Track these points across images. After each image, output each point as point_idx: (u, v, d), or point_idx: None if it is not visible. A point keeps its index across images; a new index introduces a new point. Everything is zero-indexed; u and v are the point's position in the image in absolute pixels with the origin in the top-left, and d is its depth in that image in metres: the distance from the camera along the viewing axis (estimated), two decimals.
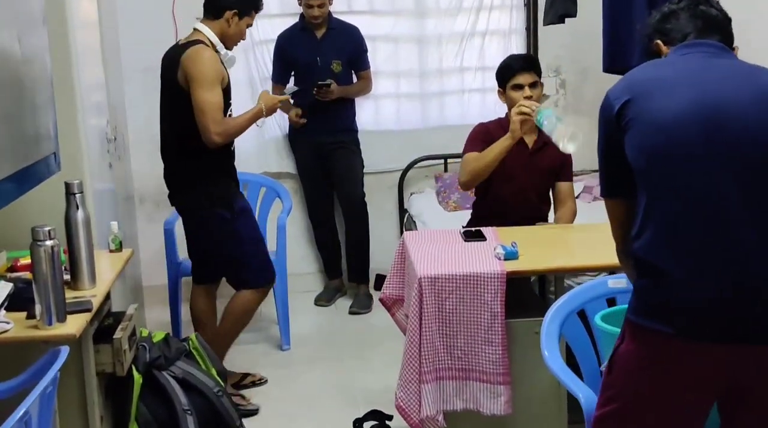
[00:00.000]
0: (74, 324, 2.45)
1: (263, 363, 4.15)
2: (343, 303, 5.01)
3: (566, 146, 3.09)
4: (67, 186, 2.72)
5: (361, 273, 5.00)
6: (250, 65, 5.03)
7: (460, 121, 5.26)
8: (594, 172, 5.16)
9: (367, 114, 5.13)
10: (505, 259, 2.91)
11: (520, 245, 3.00)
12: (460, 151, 5.14)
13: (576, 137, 3.06)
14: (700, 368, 1.80)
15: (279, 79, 4.82)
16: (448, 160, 5.23)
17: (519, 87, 3.53)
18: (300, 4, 4.78)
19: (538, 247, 3.11)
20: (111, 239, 3.16)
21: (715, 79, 1.87)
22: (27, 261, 2.69)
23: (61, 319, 2.43)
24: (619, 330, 2.21)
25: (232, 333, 3.80)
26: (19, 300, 2.53)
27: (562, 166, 3.65)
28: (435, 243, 3.21)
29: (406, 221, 5.17)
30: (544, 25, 4.66)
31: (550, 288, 3.46)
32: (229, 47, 3.58)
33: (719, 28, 1.98)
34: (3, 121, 2.38)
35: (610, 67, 3.49)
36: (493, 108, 5.27)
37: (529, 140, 3.63)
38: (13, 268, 2.88)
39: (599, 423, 1.97)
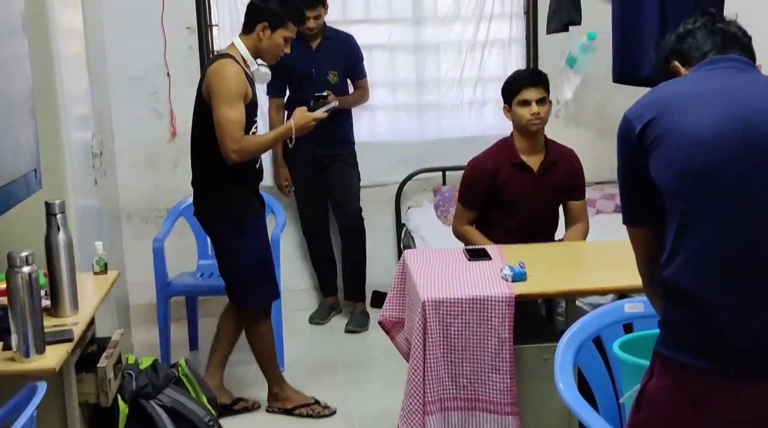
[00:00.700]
0: (54, 356, 2.28)
1: (255, 385, 3.97)
2: (339, 322, 4.85)
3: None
4: (48, 206, 2.55)
5: (358, 291, 4.84)
6: None
7: (459, 133, 5.14)
8: (597, 184, 5.02)
9: (363, 125, 4.97)
10: (513, 281, 2.75)
11: (527, 264, 2.84)
12: (459, 163, 5.05)
13: None
14: (746, 408, 1.64)
15: (274, 91, 4.67)
16: (447, 173, 5.08)
17: (526, 103, 3.38)
18: None
19: (546, 267, 2.95)
20: (95, 261, 2.99)
21: (750, 92, 1.72)
22: (4, 285, 2.52)
23: (40, 350, 2.26)
24: (639, 359, 2.08)
25: (266, 356, 3.69)
26: None
27: (573, 184, 3.50)
28: (437, 262, 3.05)
29: (403, 236, 5.01)
30: (547, 33, 4.51)
31: (558, 308, 3.31)
32: (267, 61, 3.47)
33: (740, 45, 1.86)
34: None
35: (621, 77, 3.34)
36: (493, 120, 5.14)
37: (534, 162, 3.47)
38: None
39: None
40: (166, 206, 4.74)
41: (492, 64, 5.12)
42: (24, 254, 2.23)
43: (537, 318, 3.09)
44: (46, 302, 2.60)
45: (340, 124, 4.69)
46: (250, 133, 3.43)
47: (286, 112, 4.69)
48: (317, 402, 3.72)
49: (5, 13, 2.50)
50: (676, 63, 1.89)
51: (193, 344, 4.56)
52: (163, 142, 4.91)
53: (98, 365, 2.70)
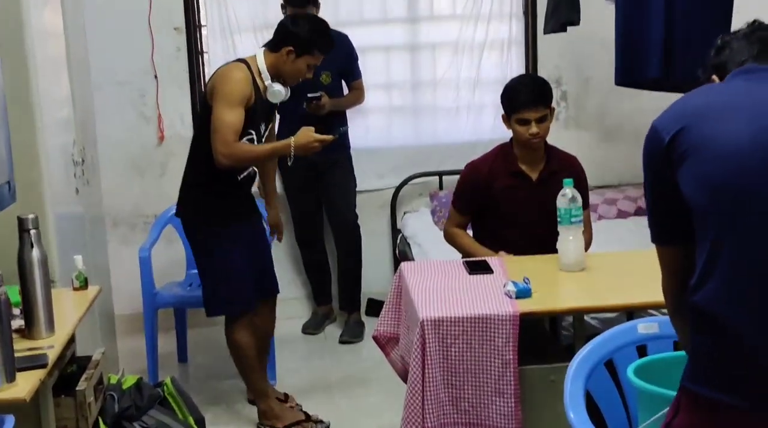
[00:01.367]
0: (25, 385, 2.11)
1: (245, 399, 3.83)
2: (333, 332, 4.70)
3: None
4: (20, 221, 2.38)
5: (353, 301, 4.69)
6: None
7: (456, 137, 4.99)
8: (598, 189, 4.88)
9: (357, 128, 4.79)
10: (517, 297, 2.59)
11: (531, 278, 2.69)
12: (456, 167, 4.90)
13: None
14: None
15: None
16: (444, 177, 4.93)
17: (525, 122, 3.22)
18: (283, 13, 4.46)
19: (551, 282, 2.81)
20: (75, 276, 2.82)
21: None
22: None
23: (10, 379, 2.10)
24: (658, 388, 1.93)
25: (244, 369, 3.57)
26: None
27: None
28: (436, 276, 2.90)
29: (399, 242, 4.86)
30: (544, 33, 4.37)
31: (563, 321, 3.16)
32: (287, 83, 3.40)
33: None
34: None
35: (623, 80, 3.18)
36: (491, 123, 5.00)
37: (533, 172, 3.32)
38: None
39: None
40: (154, 212, 4.61)
41: (490, 65, 4.97)
42: None
43: (541, 334, 2.94)
44: (20, 322, 2.45)
45: (335, 128, 4.53)
46: (244, 139, 3.31)
47: (278, 117, 4.53)
48: (308, 418, 3.56)
49: None
50: (714, 77, 1.74)
51: (182, 356, 4.41)
52: (150, 146, 4.77)
53: (77, 388, 2.56)
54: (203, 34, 4.80)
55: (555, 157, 3.39)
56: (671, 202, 1.58)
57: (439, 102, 4.99)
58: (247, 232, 3.50)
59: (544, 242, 3.37)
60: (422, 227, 4.69)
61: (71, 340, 2.69)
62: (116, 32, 4.57)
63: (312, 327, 4.71)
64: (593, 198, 4.70)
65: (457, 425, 2.52)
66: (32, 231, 2.37)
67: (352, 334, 4.56)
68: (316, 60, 3.41)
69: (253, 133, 3.37)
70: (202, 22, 4.78)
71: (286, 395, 3.73)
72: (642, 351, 2.23)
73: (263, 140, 3.47)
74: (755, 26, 1.74)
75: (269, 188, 3.88)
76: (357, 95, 4.61)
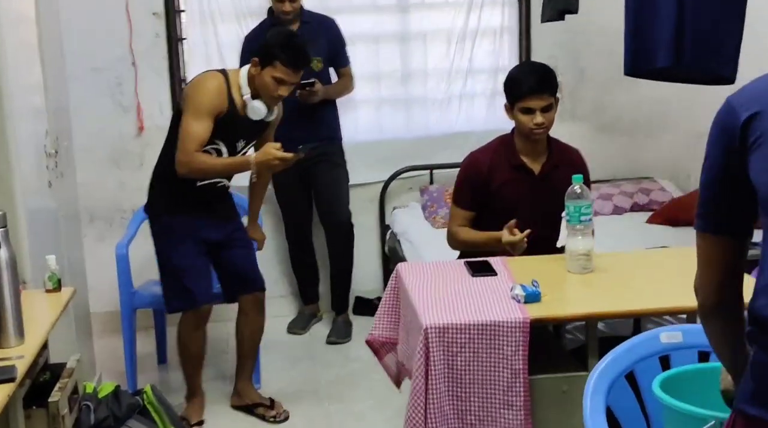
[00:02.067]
0: None
1: (227, 404, 3.64)
2: (319, 331, 4.51)
3: None
4: None
5: (343, 301, 4.49)
6: None
7: (447, 129, 4.81)
8: (593, 183, 4.69)
9: (345, 120, 4.55)
10: (525, 302, 2.42)
11: (537, 281, 2.51)
12: (447, 160, 4.73)
13: None
14: None
15: None
16: (434, 171, 4.75)
17: (529, 111, 3.04)
18: None
19: (559, 284, 2.64)
20: (47, 277, 2.62)
21: None
22: None
23: None
24: (690, 407, 1.76)
25: (183, 365, 3.54)
26: None
27: None
28: (436, 278, 2.71)
29: (388, 238, 4.68)
30: (541, 22, 4.19)
31: (566, 326, 3.00)
32: (265, 100, 3.28)
33: None
34: None
35: (633, 69, 3.01)
36: (484, 114, 4.83)
37: (535, 165, 3.15)
38: None
39: None
40: (132, 207, 4.39)
41: (482, 54, 4.79)
42: None
43: (545, 338, 2.76)
44: None
45: (326, 119, 4.32)
46: (207, 150, 3.26)
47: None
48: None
49: None
50: None
51: (162, 357, 4.21)
52: (128, 137, 4.55)
53: (50, 400, 2.37)
54: (183, 20, 4.59)
55: (557, 150, 3.22)
56: (734, 187, 1.41)
57: (429, 93, 4.79)
58: (201, 226, 3.39)
59: (545, 239, 3.20)
60: (413, 223, 4.50)
61: (43, 347, 2.49)
62: (92, 16, 4.34)
63: (298, 327, 4.52)
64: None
65: None
66: (0, 230, 2.17)
67: (339, 335, 4.37)
68: (282, 74, 3.23)
69: (222, 144, 3.29)
70: (182, 7, 4.56)
71: (272, 401, 3.55)
72: (666, 364, 2.07)
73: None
74: None
75: (253, 208, 3.80)
76: (345, 82, 4.40)
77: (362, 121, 4.74)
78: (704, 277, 1.51)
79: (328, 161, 4.33)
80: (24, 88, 2.91)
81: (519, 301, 2.42)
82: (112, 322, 4.27)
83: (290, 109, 4.19)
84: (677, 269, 2.79)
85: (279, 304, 4.65)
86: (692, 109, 4.80)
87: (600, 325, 2.93)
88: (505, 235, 2.91)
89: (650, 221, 4.43)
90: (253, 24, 4.42)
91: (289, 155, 3.20)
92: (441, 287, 2.61)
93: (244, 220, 3.78)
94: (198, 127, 3.16)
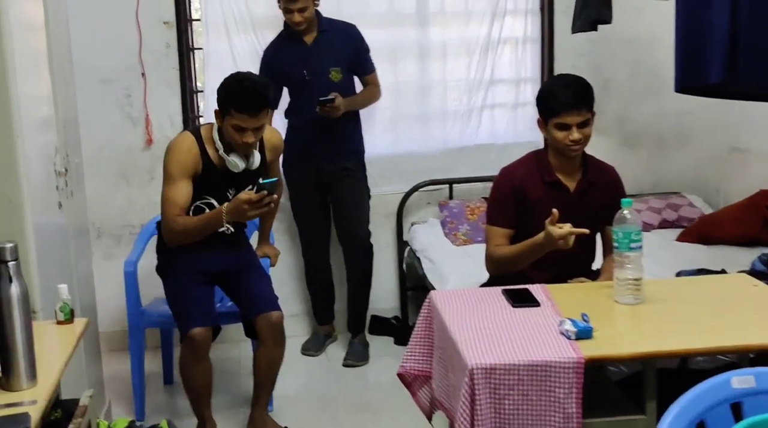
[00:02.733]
0: None
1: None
2: (335, 352, 4.33)
3: None
4: None
5: (361, 322, 4.32)
6: None
7: (467, 142, 4.64)
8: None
9: (363, 133, 4.37)
10: (577, 339, 2.24)
11: (586, 312, 2.34)
12: (467, 174, 4.56)
13: None
14: None
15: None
16: (454, 185, 4.58)
17: (565, 127, 2.88)
18: (279, 8, 4.08)
19: (609, 317, 2.46)
20: (59, 308, 2.43)
21: None
22: None
23: None
24: None
25: (189, 398, 3.37)
26: None
27: (613, 207, 2.99)
28: (474, 309, 2.54)
29: (406, 255, 4.51)
30: (573, 32, 4.05)
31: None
32: (236, 148, 3.19)
33: None
34: None
35: (684, 85, 2.83)
36: (504, 127, 4.67)
37: (571, 182, 2.99)
38: None
39: None
40: (141, 222, 4.23)
41: (504, 65, 4.63)
42: None
43: (599, 379, 2.56)
44: None
45: (348, 132, 4.14)
46: (192, 208, 3.24)
47: (288, 122, 4.18)
48: None
49: None
50: None
51: (168, 377, 4.04)
52: (137, 150, 4.38)
53: None
54: (195, 30, 4.42)
55: (593, 167, 3.07)
56: None
57: (449, 105, 4.62)
58: (200, 258, 3.30)
59: (579, 261, 3.04)
60: (433, 240, 4.33)
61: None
62: (101, 25, 4.18)
63: (313, 349, 4.34)
64: None
65: None
66: (11, 264, 1.98)
67: (356, 357, 4.19)
68: (239, 121, 3.08)
69: (212, 198, 3.24)
70: (194, 16, 4.39)
71: None
72: (737, 413, 1.90)
73: None
74: None
75: (263, 228, 3.74)
76: (372, 91, 4.20)
77: (379, 134, 4.55)
78: None
79: (351, 178, 4.16)
80: (33, 99, 2.73)
81: (569, 338, 2.24)
82: (119, 341, 4.14)
83: (309, 123, 4.03)
84: (732, 298, 2.64)
85: (291, 323, 4.42)
86: (719, 122, 4.65)
87: None
88: (553, 230, 2.71)
89: (681, 239, 4.25)
90: (269, 34, 4.25)
91: (255, 196, 2.99)
92: (481, 319, 2.43)
93: (255, 238, 3.68)
94: (172, 192, 3.16)
